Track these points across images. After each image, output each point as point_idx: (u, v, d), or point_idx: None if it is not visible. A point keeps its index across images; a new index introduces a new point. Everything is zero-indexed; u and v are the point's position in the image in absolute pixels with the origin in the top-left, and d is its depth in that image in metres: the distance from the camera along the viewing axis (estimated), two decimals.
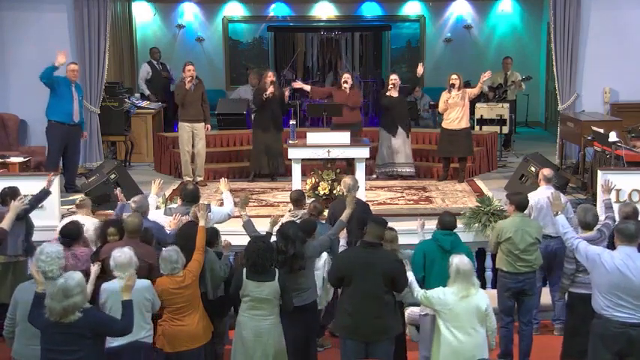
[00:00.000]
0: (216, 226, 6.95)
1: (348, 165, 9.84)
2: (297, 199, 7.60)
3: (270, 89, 10.49)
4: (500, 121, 12.18)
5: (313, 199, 8.50)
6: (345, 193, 7.64)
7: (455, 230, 6.62)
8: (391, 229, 6.63)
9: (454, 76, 10.48)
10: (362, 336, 5.87)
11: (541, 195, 7.65)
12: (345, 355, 5.98)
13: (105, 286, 5.67)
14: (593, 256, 5.63)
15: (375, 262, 5.85)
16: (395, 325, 5.99)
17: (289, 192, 9.34)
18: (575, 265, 6.49)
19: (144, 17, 15.93)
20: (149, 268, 6.05)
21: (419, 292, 5.89)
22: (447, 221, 6.58)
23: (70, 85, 10.16)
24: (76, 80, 10.30)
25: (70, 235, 6.47)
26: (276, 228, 6.53)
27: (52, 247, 5.50)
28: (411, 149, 10.95)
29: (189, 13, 16.15)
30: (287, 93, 10.96)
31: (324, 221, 7.53)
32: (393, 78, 10.70)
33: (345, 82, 10.54)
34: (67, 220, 6.96)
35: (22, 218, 7.04)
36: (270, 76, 10.62)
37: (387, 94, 10.69)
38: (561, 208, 6.19)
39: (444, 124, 10.66)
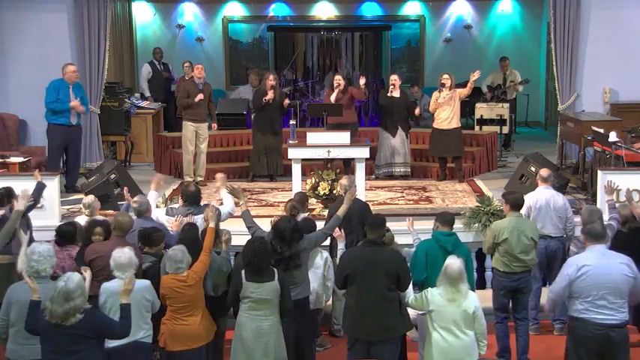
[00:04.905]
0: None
1: (345, 165, 9.81)
2: (301, 202, 7.51)
3: (270, 94, 10.49)
4: (500, 121, 12.21)
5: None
6: (343, 194, 7.64)
7: (454, 230, 6.60)
8: (387, 229, 6.59)
9: (445, 76, 10.55)
10: (367, 334, 5.84)
11: (539, 195, 7.64)
12: (353, 355, 5.95)
13: (105, 286, 5.67)
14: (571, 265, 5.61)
15: (379, 260, 5.83)
16: (400, 324, 5.93)
17: (289, 192, 9.38)
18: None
19: (144, 17, 15.92)
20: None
21: (409, 295, 5.89)
22: (447, 219, 6.54)
23: (67, 88, 10.12)
24: (76, 81, 10.26)
25: (64, 235, 6.50)
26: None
27: (42, 247, 5.51)
28: (410, 150, 10.98)
29: (189, 13, 16.14)
30: (287, 101, 10.89)
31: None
32: (394, 78, 10.79)
33: (338, 84, 10.52)
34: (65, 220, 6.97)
35: (24, 216, 7.03)
36: (271, 79, 10.56)
37: (388, 94, 10.73)
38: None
39: (435, 124, 10.72)
